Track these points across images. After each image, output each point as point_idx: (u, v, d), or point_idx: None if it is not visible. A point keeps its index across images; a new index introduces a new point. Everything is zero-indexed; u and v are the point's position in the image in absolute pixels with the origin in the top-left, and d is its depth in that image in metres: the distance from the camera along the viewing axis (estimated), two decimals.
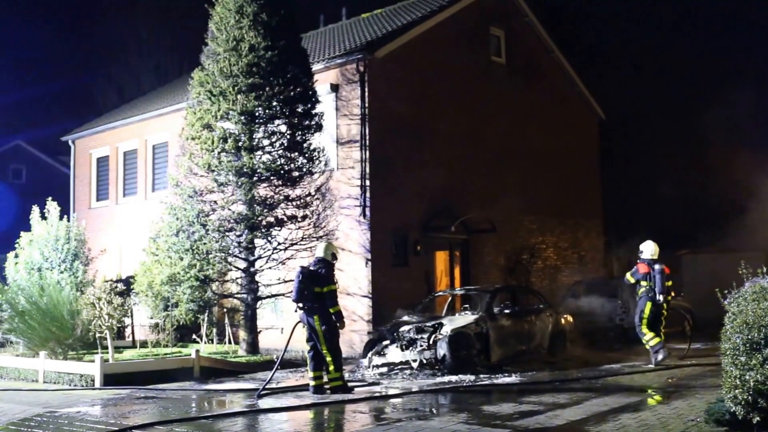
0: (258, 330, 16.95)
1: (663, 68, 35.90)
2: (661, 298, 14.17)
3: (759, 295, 7.74)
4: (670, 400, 10.32)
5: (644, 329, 14.33)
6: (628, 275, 14.89)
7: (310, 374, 12.03)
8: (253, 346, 16.63)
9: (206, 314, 17.26)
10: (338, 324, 11.99)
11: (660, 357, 14.06)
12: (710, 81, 33.58)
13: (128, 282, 18.05)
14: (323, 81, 18.43)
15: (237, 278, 17.07)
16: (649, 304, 14.30)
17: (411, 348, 14.16)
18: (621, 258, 29.68)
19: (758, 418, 7.24)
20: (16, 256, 19.96)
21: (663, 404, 9.97)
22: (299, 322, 12.16)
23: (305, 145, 16.88)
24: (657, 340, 14.18)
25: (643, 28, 36.97)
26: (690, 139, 32.67)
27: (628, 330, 19.03)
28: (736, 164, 29.32)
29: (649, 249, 14.71)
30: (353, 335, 17.36)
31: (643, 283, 14.47)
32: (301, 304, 11.93)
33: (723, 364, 7.70)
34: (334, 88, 18.62)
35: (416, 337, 14.25)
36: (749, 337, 7.34)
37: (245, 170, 16.18)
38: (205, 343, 17.54)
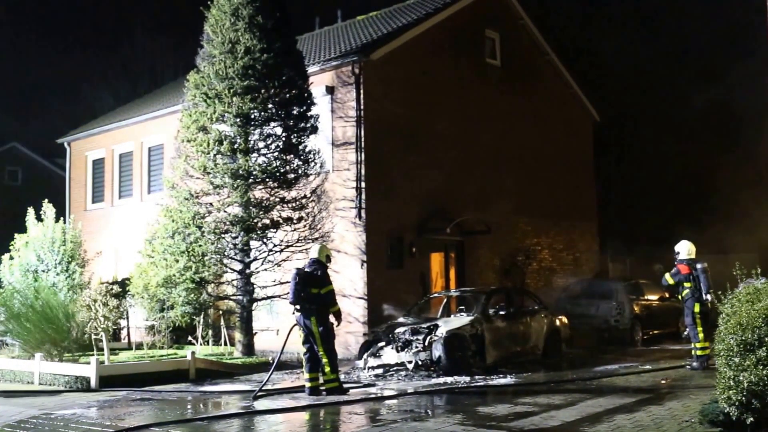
0: (254, 332, 16.96)
1: (658, 70, 35.98)
2: (708, 297, 13.54)
3: (753, 297, 7.79)
4: (664, 400, 10.36)
5: (700, 334, 13.62)
6: (667, 276, 14.15)
7: (306, 376, 12.04)
8: (248, 348, 16.65)
9: (202, 316, 17.27)
10: (336, 322, 12.08)
11: (695, 365, 13.68)
12: (706, 82, 33.66)
13: (124, 284, 18.06)
14: (319, 83, 18.46)
15: (232, 280, 17.07)
16: (697, 305, 13.72)
17: (406, 349, 14.19)
18: (616, 259, 29.78)
19: (752, 419, 7.27)
20: (12, 258, 19.93)
21: (657, 405, 9.99)
22: (296, 324, 12.17)
23: (300, 147, 16.91)
24: (705, 353, 13.49)
25: (639, 29, 37.06)
26: (685, 140, 32.78)
27: (623, 331, 19.13)
28: (731, 166, 29.45)
29: (684, 249, 14.13)
30: (349, 337, 17.38)
31: (687, 284, 13.84)
32: (298, 306, 11.95)
33: (717, 365, 7.74)
34: (330, 90, 18.65)
35: (411, 338, 14.27)
36: (743, 338, 7.37)
37: (241, 172, 16.19)
38: (200, 344, 17.55)
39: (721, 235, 25.60)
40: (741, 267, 8.78)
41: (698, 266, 13.80)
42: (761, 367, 7.16)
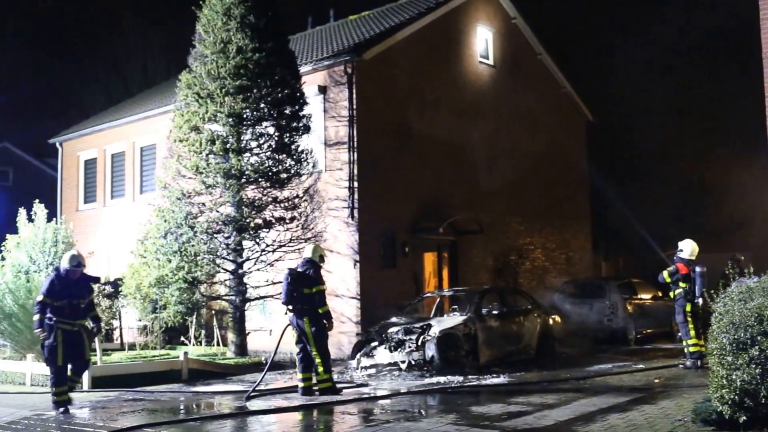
0: (246, 332, 16.93)
1: (651, 69, 36.01)
2: (700, 301, 13.53)
3: (745, 295, 7.79)
4: (657, 399, 10.36)
5: (692, 331, 13.64)
6: (664, 274, 14.09)
7: (299, 376, 12.03)
8: (241, 348, 16.61)
9: (194, 316, 17.23)
10: (327, 324, 12.01)
11: (688, 364, 13.66)
12: (699, 81, 33.72)
13: (116, 284, 18.00)
14: (311, 83, 18.43)
15: (225, 280, 17.04)
16: (689, 305, 13.70)
17: (399, 349, 14.17)
18: (609, 259, 29.82)
19: (745, 418, 7.28)
20: (3, 258, 19.85)
21: (651, 404, 9.99)
22: (289, 324, 12.15)
23: (293, 146, 16.88)
24: (697, 349, 13.51)
25: (632, 28, 37.09)
26: (678, 139, 32.84)
27: (616, 330, 19.15)
28: (723, 164, 29.51)
29: (688, 248, 13.96)
30: (342, 337, 17.35)
31: (682, 284, 13.80)
32: (290, 306, 11.93)
33: (710, 363, 7.74)
34: (322, 89, 18.63)
35: (404, 338, 14.26)
36: (736, 336, 7.37)
37: (233, 172, 16.16)
38: (193, 345, 17.50)
39: (715, 232, 25.67)
40: (734, 266, 8.80)
41: (697, 269, 13.77)
42: (754, 366, 7.17)
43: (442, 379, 13.31)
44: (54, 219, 20.91)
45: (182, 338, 17.76)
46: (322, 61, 18.72)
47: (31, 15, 54.62)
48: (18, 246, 19.85)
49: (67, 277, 11.52)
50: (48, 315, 11.03)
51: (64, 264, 11.64)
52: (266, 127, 16.79)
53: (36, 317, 11.19)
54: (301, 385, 11.96)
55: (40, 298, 11.24)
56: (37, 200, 20.59)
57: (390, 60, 19.24)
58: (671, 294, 14.19)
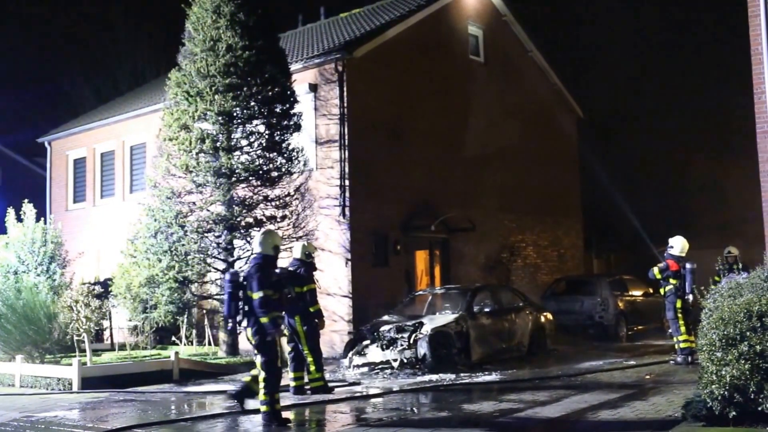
0: (238, 331, 16.84)
1: (642, 67, 36.10)
2: (690, 297, 13.61)
3: (735, 292, 7.81)
4: (648, 396, 10.39)
5: (682, 327, 13.75)
6: (654, 270, 14.16)
7: (291, 375, 12.02)
8: (232, 348, 16.56)
9: (185, 316, 17.16)
10: (318, 323, 12.00)
11: (679, 360, 13.75)
12: (691, 79, 33.81)
13: (106, 284, 17.91)
14: (302, 81, 18.38)
15: (216, 279, 16.98)
16: (679, 301, 13.79)
17: (391, 347, 14.17)
18: (600, 256, 29.86)
19: (734, 413, 7.29)
20: None
21: (641, 400, 10.02)
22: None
23: (284, 145, 16.83)
24: (688, 345, 13.60)
25: (624, 26, 37.17)
26: (669, 137, 32.92)
27: (608, 327, 19.20)
28: (715, 161, 29.59)
29: (678, 245, 14.07)
30: (334, 335, 17.33)
31: (672, 281, 13.89)
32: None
33: (700, 359, 7.76)
34: (313, 87, 18.58)
35: (396, 336, 14.25)
36: (725, 332, 7.38)
37: (223, 171, 16.11)
38: (184, 344, 17.45)
39: (705, 230, 25.73)
40: (724, 263, 8.82)
41: (687, 266, 13.82)
42: (743, 362, 7.18)
43: (434, 377, 13.31)
44: (43, 219, 20.78)
45: (173, 338, 17.69)
46: (312, 59, 18.68)
47: (20, 14, 54.34)
48: (6, 246, 19.73)
49: (275, 263, 9.54)
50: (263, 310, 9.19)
51: (272, 243, 9.66)
52: (256, 125, 16.73)
53: (264, 320, 9.21)
54: (292, 384, 11.95)
55: (259, 294, 9.13)
56: (26, 200, 20.46)
57: (381, 58, 19.21)
58: (662, 291, 14.23)
